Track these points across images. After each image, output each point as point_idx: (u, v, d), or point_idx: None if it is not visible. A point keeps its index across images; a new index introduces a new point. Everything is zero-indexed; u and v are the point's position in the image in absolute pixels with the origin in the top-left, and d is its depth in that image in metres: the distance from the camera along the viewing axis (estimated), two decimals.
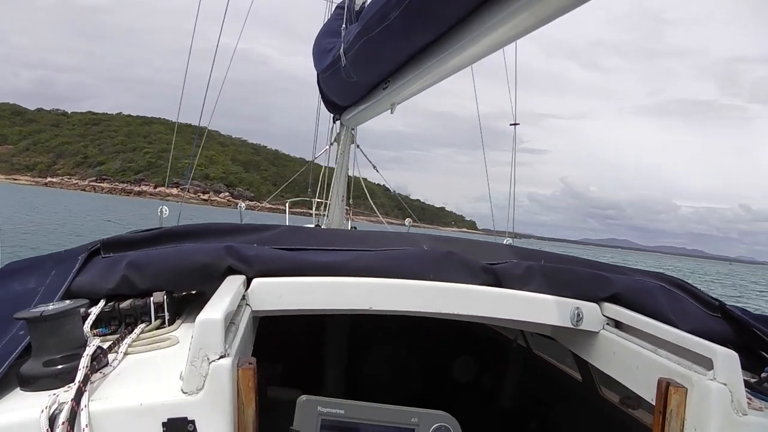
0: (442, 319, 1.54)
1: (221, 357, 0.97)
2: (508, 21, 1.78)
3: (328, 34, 4.17)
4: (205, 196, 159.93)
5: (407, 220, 6.95)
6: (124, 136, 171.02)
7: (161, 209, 5.16)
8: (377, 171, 5.31)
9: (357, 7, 4.24)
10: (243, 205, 7.01)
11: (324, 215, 5.84)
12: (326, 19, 4.82)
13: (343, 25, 3.50)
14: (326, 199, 5.79)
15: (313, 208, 6.61)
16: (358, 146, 5.41)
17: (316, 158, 5.77)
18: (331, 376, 3.11)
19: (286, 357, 2.81)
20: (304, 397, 0.99)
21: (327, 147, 5.52)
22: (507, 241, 5.17)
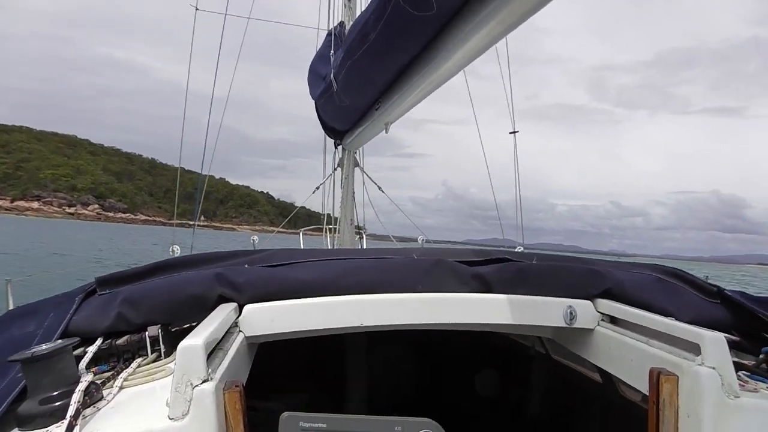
0: (454, 330, 1.53)
1: (204, 381, 0.99)
2: (479, 30, 1.81)
3: (319, 61, 4.26)
4: (71, 210, 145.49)
5: (420, 238, 6.82)
6: None
7: None
8: (382, 192, 5.30)
9: (347, 32, 4.34)
10: (256, 238, 6.92)
11: (336, 236, 5.83)
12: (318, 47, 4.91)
13: (332, 51, 3.58)
14: (335, 224, 5.79)
15: (326, 233, 6.53)
16: (362, 169, 5.42)
17: (318, 187, 5.73)
18: (350, 394, 3.10)
19: (305, 380, 2.81)
20: (285, 414, 1.00)
21: (331, 173, 5.54)
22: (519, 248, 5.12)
